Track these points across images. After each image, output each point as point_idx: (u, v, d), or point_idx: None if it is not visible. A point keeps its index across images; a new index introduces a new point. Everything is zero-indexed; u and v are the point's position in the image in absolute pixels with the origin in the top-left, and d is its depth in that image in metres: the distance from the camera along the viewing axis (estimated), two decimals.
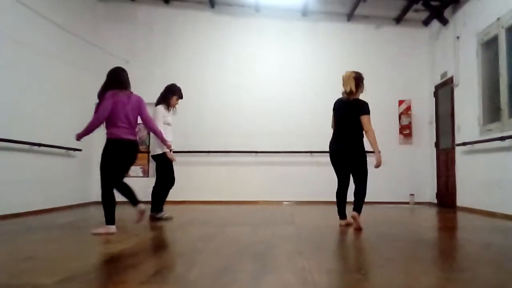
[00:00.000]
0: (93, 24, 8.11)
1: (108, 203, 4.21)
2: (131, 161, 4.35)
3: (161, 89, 8.16)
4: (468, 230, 4.76)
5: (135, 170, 8.35)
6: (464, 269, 2.66)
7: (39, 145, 6.10)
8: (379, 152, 4.40)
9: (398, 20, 8.32)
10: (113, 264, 2.77)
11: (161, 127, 5.02)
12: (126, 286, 2.15)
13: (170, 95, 5.32)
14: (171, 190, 5.36)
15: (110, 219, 4.18)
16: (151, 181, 8.15)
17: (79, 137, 4.41)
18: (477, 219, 5.55)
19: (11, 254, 3.08)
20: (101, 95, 4.33)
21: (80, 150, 7.41)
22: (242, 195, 8.04)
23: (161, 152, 5.11)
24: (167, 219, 5.22)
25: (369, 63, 8.25)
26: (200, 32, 8.50)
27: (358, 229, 4.28)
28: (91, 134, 4.50)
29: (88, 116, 7.83)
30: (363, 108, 4.44)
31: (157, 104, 5.31)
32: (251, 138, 8.21)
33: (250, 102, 8.30)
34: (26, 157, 5.93)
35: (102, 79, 8.67)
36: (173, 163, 5.28)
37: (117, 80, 4.38)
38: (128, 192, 4.33)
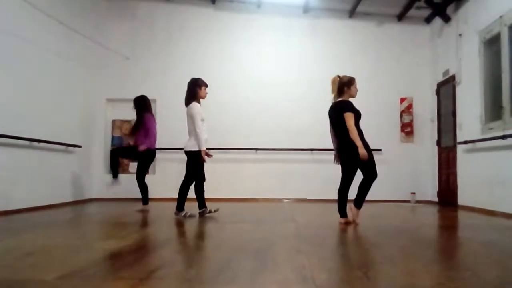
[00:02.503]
0: (95, 21, 8.08)
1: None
2: None
3: (162, 85, 8.24)
4: (469, 228, 4.75)
5: (135, 167, 8.33)
6: (465, 267, 2.66)
7: (39, 141, 6.09)
8: (361, 147, 4.42)
9: (400, 17, 8.28)
10: (114, 261, 2.76)
11: (199, 124, 5.07)
12: (126, 283, 2.15)
13: (197, 88, 5.28)
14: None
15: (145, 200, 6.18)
16: (151, 178, 8.16)
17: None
18: (478, 217, 5.54)
19: (12, 250, 3.08)
20: (142, 116, 6.22)
21: (80, 146, 7.41)
22: (242, 192, 8.04)
23: (197, 149, 5.11)
24: (191, 216, 5.23)
25: (371, 61, 8.24)
26: (201, 29, 8.48)
27: (354, 223, 4.48)
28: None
29: (89, 112, 7.88)
30: (343, 106, 4.57)
31: (188, 103, 5.25)
32: (252, 136, 8.20)
33: (251, 99, 8.28)
34: (26, 153, 5.92)
35: (103, 75, 8.70)
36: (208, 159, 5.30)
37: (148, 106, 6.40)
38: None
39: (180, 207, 5.23)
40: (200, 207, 5.32)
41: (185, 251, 3.14)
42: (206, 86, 5.37)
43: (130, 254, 2.93)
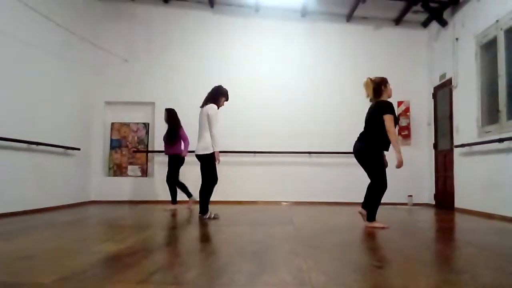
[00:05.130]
0: (93, 23, 8.11)
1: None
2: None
3: (160, 88, 8.24)
4: (466, 231, 4.77)
5: (133, 169, 8.35)
6: (461, 270, 2.67)
7: (38, 143, 6.09)
8: (399, 153, 4.41)
9: (397, 21, 8.33)
10: (111, 263, 2.77)
11: (216, 125, 5.20)
12: (124, 285, 2.15)
13: (220, 97, 5.40)
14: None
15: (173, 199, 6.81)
16: (149, 181, 8.20)
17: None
18: (475, 220, 5.56)
19: (9, 252, 3.08)
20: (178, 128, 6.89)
21: (78, 149, 7.41)
22: (240, 195, 8.04)
23: (208, 152, 5.20)
24: (215, 218, 5.30)
25: (368, 64, 8.26)
26: (199, 32, 8.51)
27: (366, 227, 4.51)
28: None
29: (88, 115, 7.89)
30: (385, 108, 4.48)
31: (206, 104, 5.35)
32: (250, 138, 8.21)
33: (249, 102, 8.30)
34: (24, 155, 5.92)
35: (101, 77, 8.70)
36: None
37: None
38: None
39: (203, 210, 5.30)
40: (202, 211, 5.35)
41: (183, 254, 3.15)
42: (227, 99, 5.49)
43: (128, 257, 2.93)
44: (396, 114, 4.56)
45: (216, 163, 5.29)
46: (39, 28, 6.31)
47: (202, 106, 5.39)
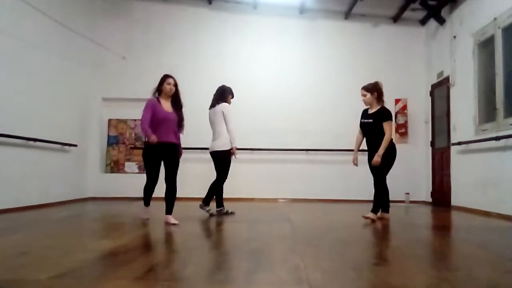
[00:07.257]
0: (90, 19, 8.06)
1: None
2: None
3: (157, 85, 8.19)
4: (462, 229, 4.79)
5: (130, 166, 8.34)
6: (458, 268, 2.68)
7: (34, 140, 6.07)
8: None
9: (396, 19, 8.32)
10: (108, 260, 2.76)
11: (232, 122, 5.49)
12: (121, 282, 2.15)
13: (227, 95, 5.69)
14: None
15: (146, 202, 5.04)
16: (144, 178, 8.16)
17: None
18: (471, 218, 5.58)
19: (5, 249, 3.07)
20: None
21: (75, 145, 7.38)
22: (237, 192, 8.02)
23: (226, 149, 5.45)
24: (213, 215, 5.46)
25: (366, 62, 8.26)
26: (197, 29, 8.48)
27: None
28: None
29: (85, 111, 7.86)
30: None
31: (217, 103, 5.60)
32: (248, 136, 8.18)
33: (247, 100, 8.26)
34: (21, 152, 5.89)
35: (98, 74, 8.69)
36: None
37: None
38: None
39: (207, 201, 5.45)
40: (218, 205, 5.59)
41: (180, 251, 3.15)
42: (233, 97, 5.81)
43: (125, 253, 2.93)
44: (361, 120, 5.27)
45: (233, 158, 5.51)
46: (37, 24, 6.27)
47: (213, 106, 5.61)
